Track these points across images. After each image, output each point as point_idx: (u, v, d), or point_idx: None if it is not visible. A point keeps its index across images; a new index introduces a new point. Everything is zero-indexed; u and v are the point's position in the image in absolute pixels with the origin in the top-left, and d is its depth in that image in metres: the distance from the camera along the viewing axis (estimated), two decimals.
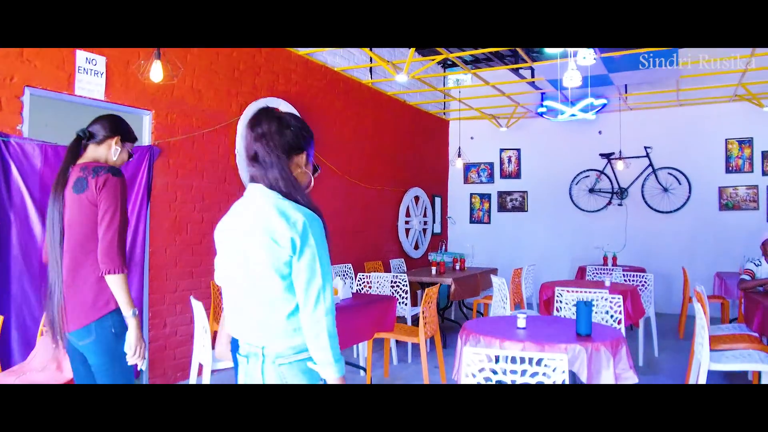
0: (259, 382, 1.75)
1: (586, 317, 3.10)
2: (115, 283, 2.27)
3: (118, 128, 2.47)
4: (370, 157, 7.73)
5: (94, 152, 2.43)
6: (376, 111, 7.85)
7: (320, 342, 1.71)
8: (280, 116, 1.87)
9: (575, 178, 9.34)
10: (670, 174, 8.71)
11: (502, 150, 9.80)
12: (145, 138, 4.67)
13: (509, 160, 9.79)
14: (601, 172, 9.16)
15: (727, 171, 8.38)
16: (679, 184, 8.64)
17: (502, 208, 9.81)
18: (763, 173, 8.15)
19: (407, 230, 8.58)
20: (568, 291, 4.77)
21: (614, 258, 7.89)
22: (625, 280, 6.37)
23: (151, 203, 4.65)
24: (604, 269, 6.95)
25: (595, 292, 4.57)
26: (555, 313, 4.87)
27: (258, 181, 1.82)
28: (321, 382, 1.76)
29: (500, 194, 9.82)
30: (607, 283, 5.54)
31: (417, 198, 8.79)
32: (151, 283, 4.69)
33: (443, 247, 9.53)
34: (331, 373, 1.72)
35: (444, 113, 9.78)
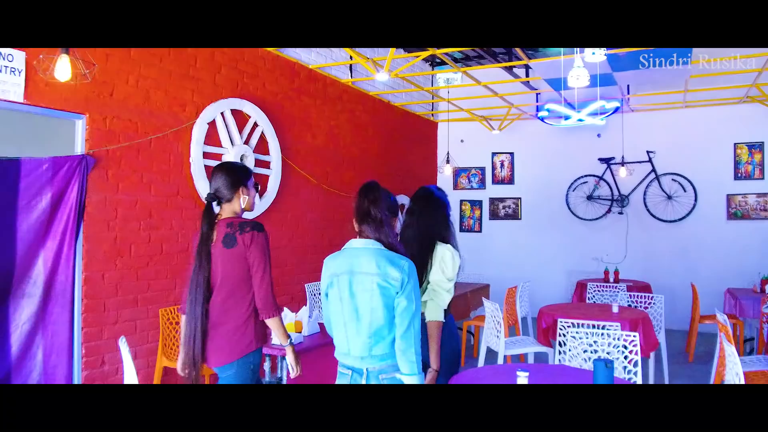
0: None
1: (606, 381, 2.46)
2: (273, 324, 2.71)
3: (239, 179, 2.74)
4: (351, 164, 7.07)
5: (230, 208, 2.74)
6: (357, 113, 7.19)
7: (410, 358, 2.25)
8: (381, 189, 2.45)
9: (572, 184, 8.72)
10: (675, 180, 8.10)
11: (494, 154, 9.17)
12: (77, 147, 3.98)
13: (502, 165, 9.15)
14: (600, 178, 8.54)
15: (736, 178, 7.78)
16: (684, 191, 8.03)
17: (494, 215, 9.17)
18: None
19: None
20: (572, 324, 4.14)
21: (616, 273, 7.27)
22: (630, 303, 5.75)
23: (84, 222, 3.97)
24: (606, 288, 6.31)
25: (605, 327, 3.94)
26: (558, 347, 4.24)
27: (369, 236, 2.36)
28: None
29: (492, 201, 9.18)
30: (615, 309, 4.92)
31: (403, 206, 8.12)
32: (85, 316, 4.00)
33: None
34: (414, 382, 2.24)
35: (432, 115, 9.13)
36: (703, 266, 7.74)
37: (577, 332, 3.87)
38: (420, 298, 2.37)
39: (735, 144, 7.79)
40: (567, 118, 7.45)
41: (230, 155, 5.09)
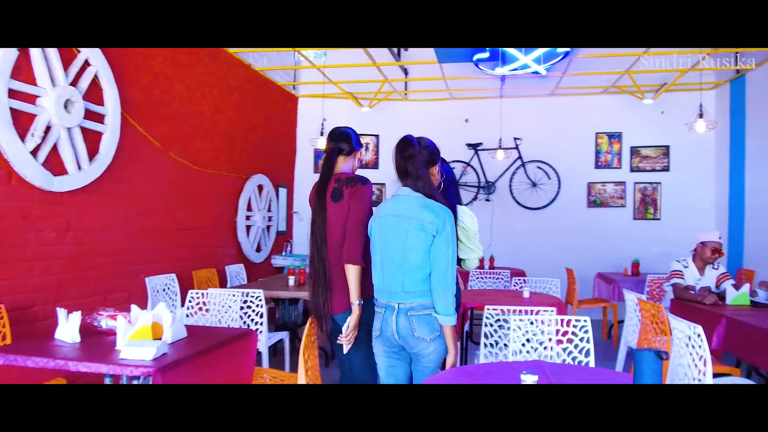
0: (394, 327, 2.47)
1: (654, 375, 1.79)
2: (352, 272, 2.72)
3: (359, 141, 2.98)
4: (205, 131, 5.83)
5: (343, 163, 2.91)
6: (214, 71, 5.96)
7: (447, 299, 2.43)
8: (419, 140, 2.65)
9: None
10: (540, 168, 8.05)
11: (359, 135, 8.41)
12: None
13: (366, 148, 8.45)
14: (468, 164, 8.23)
15: (597, 166, 7.93)
16: (549, 178, 8.02)
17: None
18: (631, 169, 7.82)
19: (248, 227, 6.78)
20: (501, 309, 3.51)
21: (492, 260, 6.95)
22: (515, 287, 5.33)
23: None
24: (488, 275, 5.87)
25: (540, 312, 3.37)
26: (483, 339, 3.58)
27: (409, 186, 2.54)
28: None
29: None
30: (527, 294, 4.43)
31: (261, 188, 7.03)
32: None
33: (288, 248, 7.88)
34: (449, 322, 2.42)
35: (294, 86, 8.12)
36: (567, 252, 7.76)
37: (514, 320, 3.23)
38: (456, 245, 2.51)
39: (596, 133, 7.93)
40: (503, 64, 6.78)
41: (49, 98, 3.67)
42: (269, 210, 7.19)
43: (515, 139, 8.06)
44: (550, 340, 3.18)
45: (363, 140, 8.34)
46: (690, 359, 3.04)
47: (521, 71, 6.26)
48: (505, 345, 3.62)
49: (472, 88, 7.84)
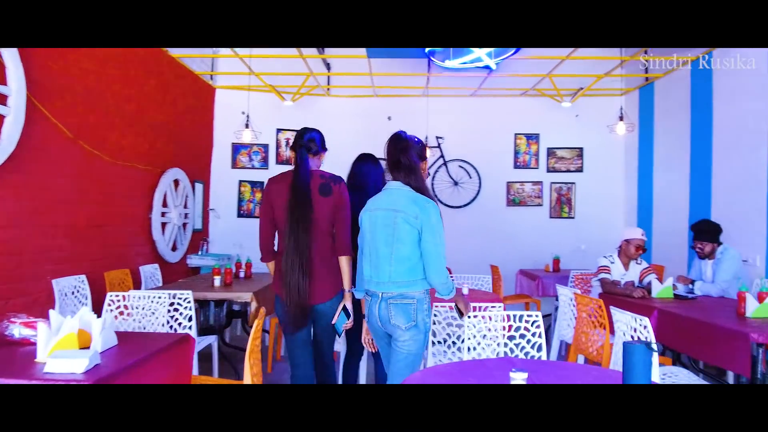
0: (377, 313, 2.64)
1: (646, 368, 1.76)
2: (346, 262, 3.01)
3: (324, 143, 3.15)
4: (118, 120, 5.35)
5: (316, 162, 3.07)
6: (129, 56, 5.48)
7: (444, 285, 2.62)
8: (408, 137, 2.76)
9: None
10: (461, 167, 8.15)
11: (279, 130, 8.13)
12: None
13: (287, 143, 8.17)
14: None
15: (515, 166, 8.14)
16: (470, 177, 8.13)
17: None
18: (548, 170, 8.10)
19: (164, 225, 6.32)
20: (450, 306, 3.44)
21: None
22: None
23: None
24: None
25: (488, 308, 3.33)
26: (431, 338, 3.50)
27: (399, 180, 2.66)
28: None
29: None
30: (466, 291, 4.41)
31: (177, 182, 6.58)
32: None
33: (205, 247, 7.45)
34: (450, 297, 2.69)
35: (211, 77, 7.68)
36: (489, 250, 7.89)
37: (467, 317, 3.17)
38: (443, 237, 2.62)
39: (515, 134, 8.14)
40: (457, 56, 6.58)
41: None
42: (185, 206, 6.75)
43: (437, 138, 8.10)
44: (503, 336, 3.15)
45: (284, 136, 8.09)
46: None
47: (471, 64, 6.27)
48: (453, 343, 3.57)
49: (397, 85, 7.79)
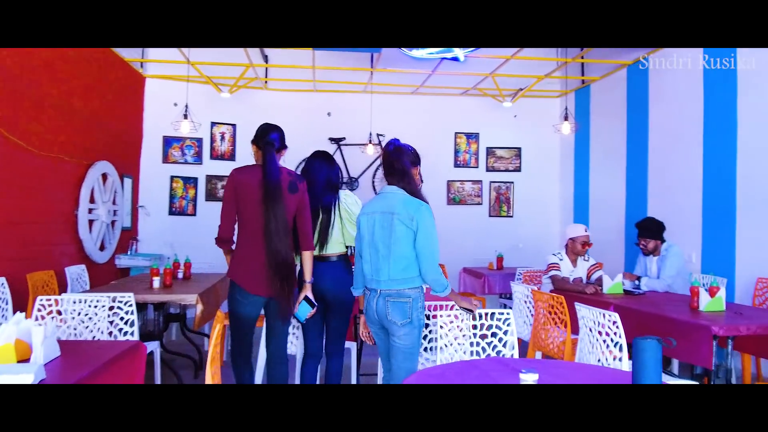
0: (374, 307, 2.81)
1: (657, 364, 1.72)
2: (309, 256, 3.17)
3: (284, 141, 3.23)
4: (41, 107, 4.87)
5: (279, 159, 3.14)
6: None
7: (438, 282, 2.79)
8: (403, 144, 2.92)
9: (301, 163, 7.93)
10: None
11: (214, 124, 7.75)
12: None
13: (222, 138, 7.81)
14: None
15: (456, 165, 8.18)
16: None
17: (211, 196, 7.75)
18: (487, 169, 8.18)
19: (91, 222, 5.84)
20: (428, 306, 3.33)
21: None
22: None
23: None
24: None
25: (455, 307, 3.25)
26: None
27: (394, 185, 2.85)
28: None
29: (209, 179, 7.75)
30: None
31: (105, 176, 6.10)
32: None
33: (134, 247, 6.98)
34: (446, 294, 2.81)
35: (142, 64, 7.20)
36: None
37: (441, 317, 3.08)
38: (436, 236, 2.81)
39: (456, 133, 8.17)
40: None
41: None
42: (114, 203, 6.27)
43: (378, 135, 7.99)
44: (475, 335, 3.07)
45: (218, 129, 7.73)
46: (604, 346, 3.14)
47: (438, 55, 6.17)
48: (426, 349, 3.48)
49: (339, 80, 7.62)
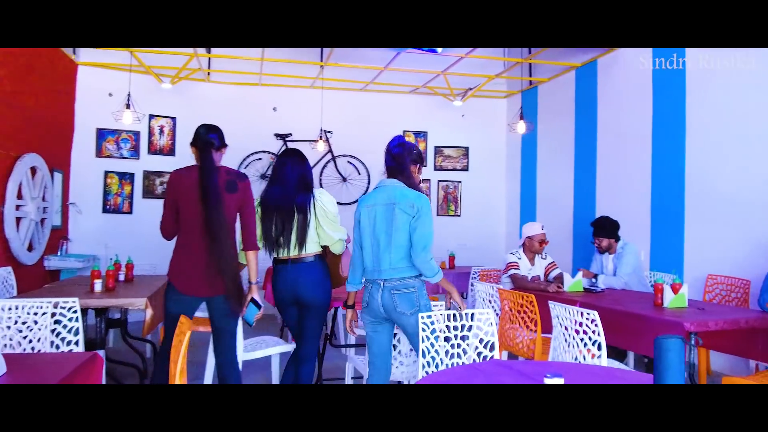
0: (379, 301, 2.86)
1: (681, 365, 1.67)
2: (253, 257, 3.09)
3: (224, 139, 3.18)
4: None
5: (220, 157, 3.10)
6: None
7: (429, 267, 2.84)
8: (405, 142, 3.03)
9: (244, 160, 7.66)
10: (350, 163, 7.94)
11: (152, 117, 7.31)
12: None
13: (161, 131, 7.39)
14: (276, 156, 7.73)
15: None
16: (359, 174, 7.95)
17: (148, 193, 7.31)
18: (435, 168, 8.16)
19: (19, 220, 5.34)
20: None
21: None
22: None
23: None
24: None
25: (435, 306, 3.15)
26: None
27: (394, 178, 2.93)
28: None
29: (147, 175, 7.31)
30: None
31: (34, 170, 5.60)
32: None
33: (65, 247, 6.47)
34: (437, 279, 2.86)
35: (74, 50, 6.68)
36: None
37: (429, 317, 2.96)
38: (431, 224, 2.87)
39: (404, 131, 8.10)
40: None
41: None
42: (44, 199, 5.77)
43: (325, 131, 7.81)
44: (456, 336, 2.98)
45: (157, 122, 7.31)
46: (582, 345, 3.13)
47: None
48: (410, 351, 3.35)
49: (286, 74, 7.37)
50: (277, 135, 7.74)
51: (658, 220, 5.40)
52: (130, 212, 7.21)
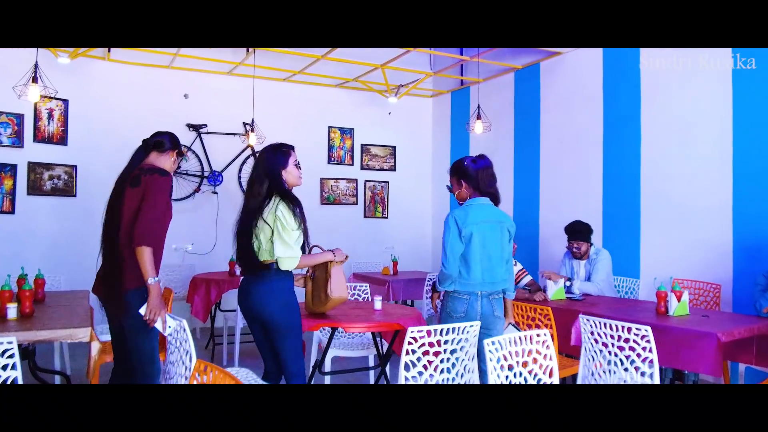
0: (479, 309, 3.07)
1: None
2: (144, 254, 2.75)
3: (178, 144, 3.13)
4: None
5: (155, 159, 3.01)
6: None
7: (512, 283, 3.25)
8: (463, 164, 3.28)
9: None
10: None
11: (41, 98, 6.09)
12: None
13: (50, 116, 6.19)
14: (189, 149, 6.86)
15: (329, 162, 7.59)
16: None
17: (35, 189, 6.10)
18: (362, 167, 7.75)
19: None
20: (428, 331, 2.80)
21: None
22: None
23: None
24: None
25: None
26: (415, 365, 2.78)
27: (492, 199, 3.21)
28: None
29: (33, 167, 6.09)
30: (378, 306, 3.73)
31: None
32: None
33: None
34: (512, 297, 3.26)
35: None
36: None
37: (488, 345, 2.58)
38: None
39: (329, 127, 7.59)
40: None
41: None
42: None
43: (245, 124, 7.08)
44: (518, 363, 2.63)
45: (45, 104, 6.13)
46: (628, 363, 2.93)
47: None
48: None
49: (201, 57, 6.54)
50: (189, 125, 6.86)
51: (611, 225, 5.48)
52: (12, 212, 5.95)
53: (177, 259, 6.72)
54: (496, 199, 3.21)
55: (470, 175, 3.21)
